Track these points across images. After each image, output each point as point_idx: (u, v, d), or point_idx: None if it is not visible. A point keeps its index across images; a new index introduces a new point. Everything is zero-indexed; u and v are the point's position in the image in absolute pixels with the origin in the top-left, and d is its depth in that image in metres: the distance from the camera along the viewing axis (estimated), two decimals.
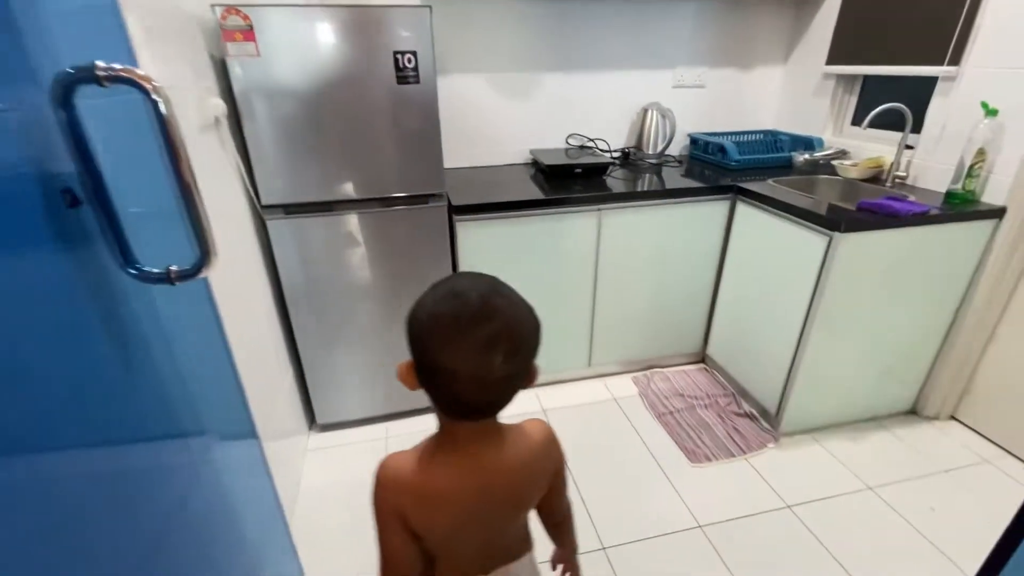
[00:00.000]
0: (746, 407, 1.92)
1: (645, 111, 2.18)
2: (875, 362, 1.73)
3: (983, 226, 1.56)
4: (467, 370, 0.56)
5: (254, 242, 1.51)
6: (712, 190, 1.84)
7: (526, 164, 2.22)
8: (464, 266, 1.75)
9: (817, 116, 2.17)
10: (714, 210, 1.89)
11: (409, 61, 1.38)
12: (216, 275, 0.74)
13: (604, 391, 2.05)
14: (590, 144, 2.24)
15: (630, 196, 1.79)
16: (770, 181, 1.89)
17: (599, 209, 1.78)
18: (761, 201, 1.74)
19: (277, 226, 1.51)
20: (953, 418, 1.85)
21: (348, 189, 1.51)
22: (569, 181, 1.91)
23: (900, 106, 1.70)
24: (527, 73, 2.09)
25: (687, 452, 1.72)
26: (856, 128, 2.08)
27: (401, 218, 1.59)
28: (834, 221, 1.46)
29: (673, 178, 1.98)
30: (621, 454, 1.73)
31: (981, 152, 1.53)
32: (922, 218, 1.48)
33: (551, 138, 2.23)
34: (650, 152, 2.20)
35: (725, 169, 2.10)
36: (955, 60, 1.61)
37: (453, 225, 1.68)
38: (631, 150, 2.24)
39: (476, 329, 0.55)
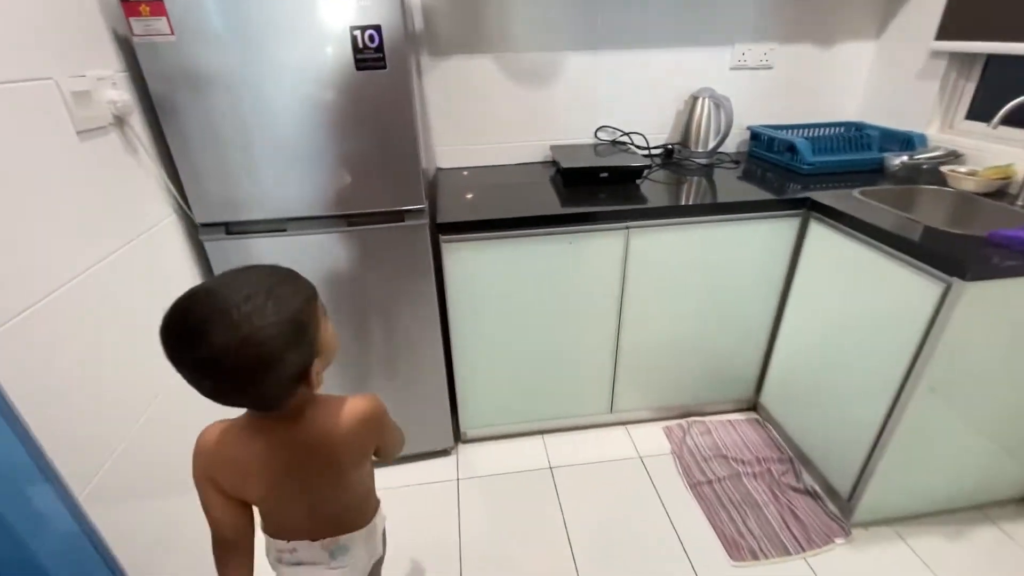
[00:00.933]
0: (807, 480, 1.52)
1: (695, 99, 1.76)
2: (993, 441, 1.29)
3: None
4: (192, 382, 0.58)
5: (191, 268, 1.23)
6: (777, 204, 1.43)
7: (545, 163, 1.86)
8: (454, 298, 1.43)
9: (919, 106, 1.69)
10: (779, 229, 1.48)
11: (371, 39, 1.05)
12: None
13: (628, 445, 1.70)
14: (624, 139, 1.85)
15: (666, 212, 1.40)
16: (856, 192, 1.45)
17: (627, 227, 1.40)
18: (843, 221, 1.32)
19: (218, 249, 1.23)
20: None
21: (302, 204, 1.21)
22: (594, 188, 1.54)
23: None
24: (548, 53, 1.71)
25: (727, 543, 1.35)
26: (974, 123, 1.59)
27: (370, 240, 1.27)
28: (956, 262, 1.04)
29: (726, 184, 1.56)
30: (640, 538, 1.39)
31: None
32: None
33: (578, 132, 1.85)
34: (699, 149, 1.78)
35: (795, 173, 1.66)
36: None
37: (439, 247, 1.35)
38: (676, 147, 1.83)
39: (181, 352, 0.56)
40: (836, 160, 1.64)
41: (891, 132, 1.74)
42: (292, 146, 1.14)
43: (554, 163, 1.79)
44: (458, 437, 1.71)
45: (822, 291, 1.43)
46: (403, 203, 1.25)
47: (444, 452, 1.67)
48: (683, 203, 1.41)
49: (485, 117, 1.77)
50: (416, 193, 1.24)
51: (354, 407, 0.72)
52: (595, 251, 1.43)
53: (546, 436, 1.74)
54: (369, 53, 1.06)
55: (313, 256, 1.26)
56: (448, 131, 1.78)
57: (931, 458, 1.29)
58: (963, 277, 1.02)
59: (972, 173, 1.44)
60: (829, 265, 1.39)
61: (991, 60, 1.55)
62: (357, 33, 1.04)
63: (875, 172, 1.65)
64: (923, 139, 1.65)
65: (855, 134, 1.79)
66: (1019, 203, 1.34)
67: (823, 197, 1.42)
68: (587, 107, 1.81)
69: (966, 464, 1.32)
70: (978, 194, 1.41)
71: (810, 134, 1.89)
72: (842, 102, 1.92)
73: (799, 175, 1.64)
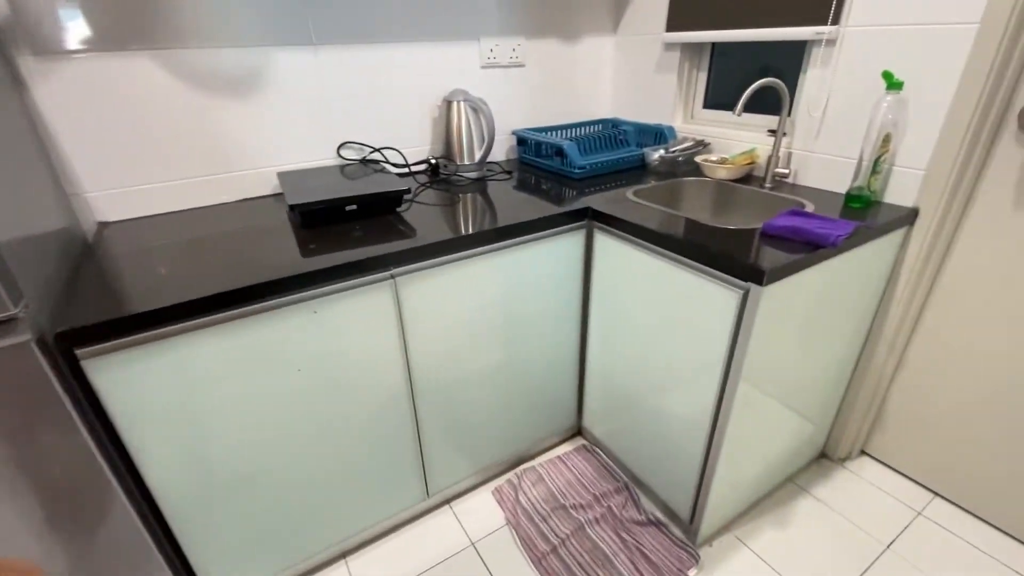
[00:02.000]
0: (648, 508, 1.40)
1: (449, 104, 1.49)
2: (792, 416, 1.31)
3: (893, 235, 1.20)
4: None
5: None
6: (561, 219, 1.24)
7: (275, 196, 1.39)
8: (134, 435, 0.90)
9: (663, 99, 1.71)
10: (566, 245, 1.30)
11: None
12: None
13: (456, 531, 1.37)
14: (376, 156, 1.50)
15: (440, 248, 1.09)
16: (630, 193, 1.35)
17: (391, 275, 1.06)
18: (627, 230, 1.19)
19: None
20: (864, 453, 1.56)
21: None
22: (343, 226, 1.15)
23: (776, 83, 1.26)
24: (245, 50, 1.25)
25: None
26: (710, 112, 1.66)
27: None
28: (750, 269, 0.94)
29: (504, 200, 1.33)
30: None
31: (887, 140, 1.15)
32: (849, 241, 1.04)
33: (315, 151, 1.43)
34: (467, 161, 1.53)
35: (568, 179, 1.52)
36: (835, 18, 1.21)
37: (79, 370, 0.81)
38: (441, 161, 1.55)
39: None
40: (603, 161, 1.55)
41: (644, 127, 1.74)
42: None
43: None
44: None
45: (621, 304, 1.29)
46: None
47: None
48: (460, 232, 1.12)
49: (166, 142, 1.23)
50: (13, 292, 0.69)
51: None
52: (355, 315, 1.05)
53: (349, 559, 1.30)
54: None
55: None
56: (109, 167, 1.19)
57: (750, 450, 1.25)
58: (760, 283, 0.93)
59: (723, 161, 1.47)
60: (623, 276, 1.26)
61: (716, 49, 1.61)
62: None
63: (639, 169, 1.62)
64: (672, 131, 1.66)
65: (612, 132, 1.75)
66: (767, 185, 1.38)
67: (601, 203, 1.28)
68: (319, 120, 1.40)
69: (775, 442, 1.33)
70: (732, 181, 1.44)
71: (573, 135, 1.80)
72: (596, 99, 1.88)
73: (572, 180, 1.51)
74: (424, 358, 1.18)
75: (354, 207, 1.19)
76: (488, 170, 1.58)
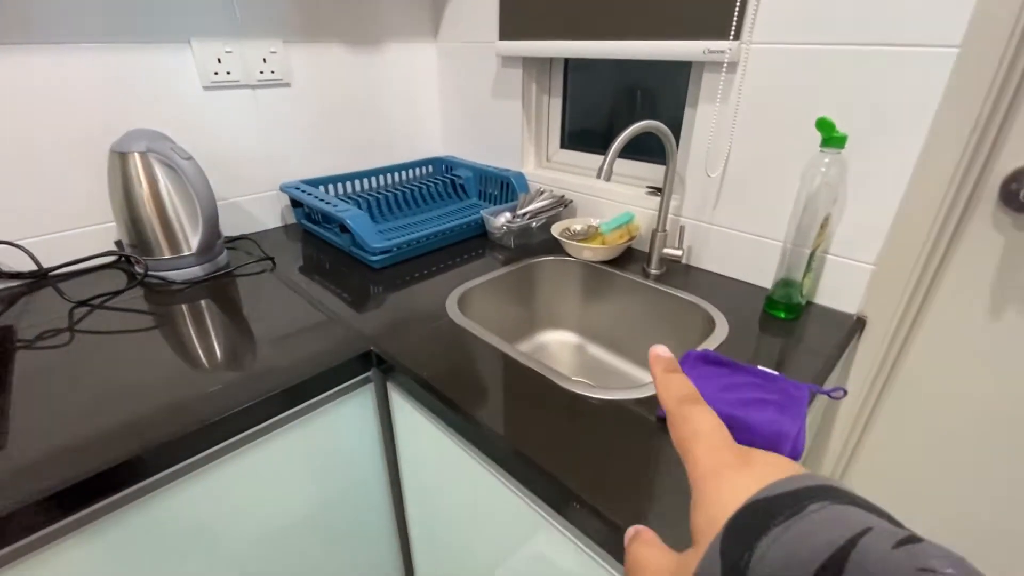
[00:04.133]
0: None
1: (124, 158, 0.84)
2: None
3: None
4: None
5: None
6: (330, 377, 0.67)
7: None
8: None
9: (508, 134, 1.21)
10: (353, 411, 0.74)
11: None
12: None
13: None
14: None
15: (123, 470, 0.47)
16: (454, 300, 0.82)
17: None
18: (425, 402, 0.65)
19: None
20: None
21: None
22: None
23: (656, 127, 0.81)
24: None
25: None
26: (571, 153, 1.19)
27: None
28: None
29: (232, 334, 0.72)
30: None
31: (825, 222, 0.75)
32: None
33: None
34: (169, 255, 0.88)
35: (364, 269, 0.96)
36: (738, 31, 0.77)
37: None
38: (133, 256, 0.89)
39: None
40: (417, 238, 1.00)
41: (485, 171, 1.23)
42: None
43: None
44: None
45: (438, 494, 0.76)
46: None
47: None
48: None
49: None
50: None
51: None
52: None
53: None
54: None
55: None
56: None
57: None
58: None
59: (591, 238, 1.00)
60: (432, 461, 0.72)
61: (569, 70, 1.15)
62: None
63: (479, 239, 1.10)
64: (522, 180, 1.17)
65: (440, 180, 1.22)
66: (652, 271, 0.94)
67: (402, 328, 0.74)
68: None
69: None
70: (604, 266, 0.97)
71: (383, 183, 1.24)
72: (420, 131, 1.34)
73: (371, 271, 0.95)
74: None
75: None
76: (218, 265, 0.94)
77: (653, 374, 0.25)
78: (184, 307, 0.80)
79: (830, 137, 0.69)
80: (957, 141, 0.66)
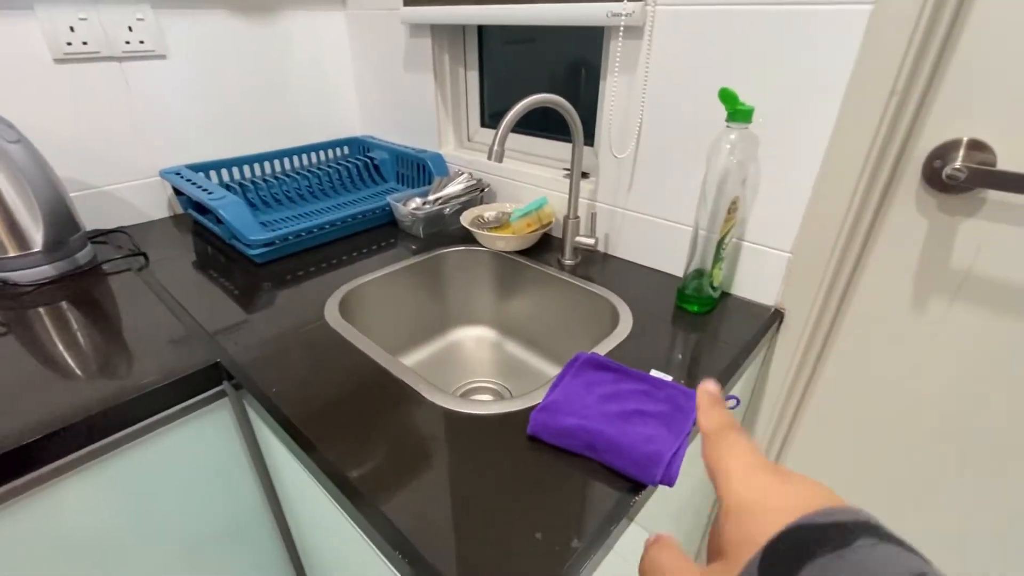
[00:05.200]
0: None
1: None
2: None
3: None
4: None
5: None
6: (162, 396, 0.58)
7: None
8: None
9: (424, 112, 1.11)
10: (207, 429, 0.65)
11: None
12: None
13: None
14: None
15: None
16: (335, 302, 0.74)
17: None
18: (281, 422, 0.57)
19: None
20: None
21: None
22: None
23: (555, 101, 0.72)
24: None
25: None
26: (491, 132, 1.10)
27: None
28: None
29: (80, 341, 0.63)
30: None
31: (734, 206, 0.67)
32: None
33: None
34: (14, 253, 0.78)
35: (246, 264, 0.86)
36: None
37: None
38: None
39: None
40: (311, 226, 0.90)
41: (403, 152, 1.13)
42: None
43: None
44: None
45: (300, 501, 0.69)
46: None
47: None
48: None
49: None
50: None
51: None
52: None
53: None
54: None
55: None
56: None
57: None
58: None
59: (502, 226, 0.92)
60: (289, 472, 0.65)
61: (486, 36, 1.04)
62: None
63: (389, 227, 1.01)
64: (440, 162, 1.08)
65: (354, 163, 1.12)
66: (566, 262, 0.86)
67: (253, 342, 0.65)
68: None
69: None
70: (517, 256, 0.89)
71: (290, 165, 1.13)
72: (334, 109, 1.23)
73: (254, 266, 0.85)
74: None
75: None
76: (76, 263, 0.83)
77: (699, 405, 0.25)
78: (28, 312, 0.70)
79: (735, 110, 0.61)
80: (873, 112, 0.59)
